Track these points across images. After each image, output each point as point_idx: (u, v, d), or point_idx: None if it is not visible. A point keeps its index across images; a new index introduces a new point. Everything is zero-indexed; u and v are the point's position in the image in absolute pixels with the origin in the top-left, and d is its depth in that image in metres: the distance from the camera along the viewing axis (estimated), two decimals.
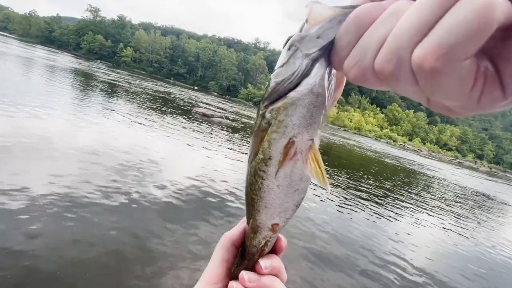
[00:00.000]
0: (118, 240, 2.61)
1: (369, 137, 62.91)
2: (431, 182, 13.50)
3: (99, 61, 76.91)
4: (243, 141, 10.24)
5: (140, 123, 8.24)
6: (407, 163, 21.09)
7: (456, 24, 0.15)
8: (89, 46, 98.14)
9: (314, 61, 0.26)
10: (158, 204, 3.51)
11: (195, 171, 5.23)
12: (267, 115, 0.30)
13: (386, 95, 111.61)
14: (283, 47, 0.29)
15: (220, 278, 0.37)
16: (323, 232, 4.06)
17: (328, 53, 0.25)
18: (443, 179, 16.60)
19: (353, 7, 0.21)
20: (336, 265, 3.24)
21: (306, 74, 0.27)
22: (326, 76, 0.27)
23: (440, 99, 0.17)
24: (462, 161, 64.84)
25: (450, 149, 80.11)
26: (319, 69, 0.26)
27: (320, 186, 0.32)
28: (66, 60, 32.81)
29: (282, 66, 0.29)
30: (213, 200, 4.13)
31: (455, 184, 15.51)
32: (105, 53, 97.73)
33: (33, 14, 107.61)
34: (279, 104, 0.29)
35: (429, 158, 41.94)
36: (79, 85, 13.66)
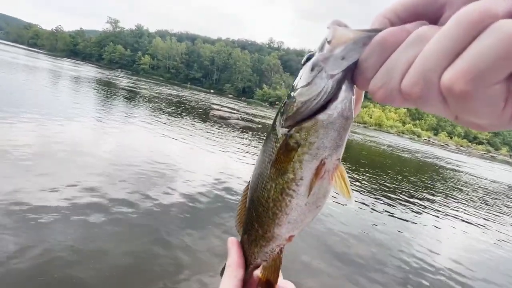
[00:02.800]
0: (140, 244, 2.62)
1: (391, 133, 60.50)
2: (461, 179, 12.66)
3: (119, 70, 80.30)
4: (261, 141, 10.17)
5: (160, 128, 8.42)
6: (433, 159, 20.00)
7: (485, 51, 0.15)
8: (110, 56, 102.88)
9: (340, 83, 0.27)
10: (179, 208, 3.52)
11: (215, 174, 5.22)
12: (296, 135, 0.30)
13: None
14: (303, 64, 0.29)
15: None
16: (346, 231, 3.89)
17: (351, 74, 0.26)
18: (474, 175, 15.53)
19: (377, 30, 0.22)
20: (360, 265, 3.07)
21: (333, 96, 0.27)
22: (353, 98, 0.28)
23: (470, 119, 0.18)
24: (495, 155, 60.50)
25: (481, 143, 74.93)
26: (347, 93, 0.27)
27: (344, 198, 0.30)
28: (89, 70, 34.54)
29: (306, 86, 0.28)
30: (234, 203, 4.08)
31: (488, 180, 14.45)
32: (125, 62, 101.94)
33: (59, 30, 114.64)
34: (307, 124, 0.29)
35: (457, 153, 39.56)
36: (102, 93, 14.27)
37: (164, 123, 9.34)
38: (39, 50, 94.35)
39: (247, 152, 7.72)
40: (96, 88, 16.17)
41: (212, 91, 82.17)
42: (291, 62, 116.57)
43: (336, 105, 0.27)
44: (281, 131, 0.32)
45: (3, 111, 6.03)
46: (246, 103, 45.54)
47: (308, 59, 0.29)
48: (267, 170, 0.34)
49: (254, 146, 8.92)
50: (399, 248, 3.83)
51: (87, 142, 5.42)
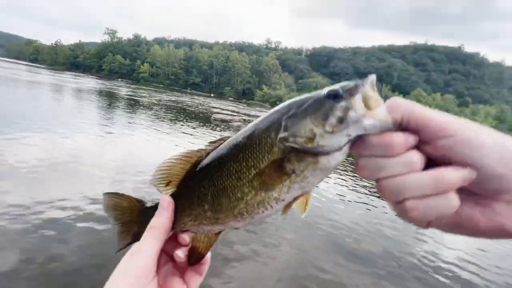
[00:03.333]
0: None
1: None
2: None
3: (120, 79, 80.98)
4: None
5: (163, 134, 8.46)
6: None
7: (438, 208, 0.27)
8: (109, 66, 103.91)
9: (350, 142, 0.31)
10: None
11: None
12: (295, 163, 0.32)
13: (408, 80, 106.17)
14: (328, 97, 0.32)
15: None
16: (355, 227, 3.85)
17: (356, 139, 0.31)
18: None
19: (395, 125, 0.28)
20: (372, 261, 3.04)
21: (339, 149, 0.32)
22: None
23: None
24: None
25: None
26: (347, 149, 0.32)
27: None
28: (90, 82, 34.90)
29: (329, 133, 0.31)
30: None
31: None
32: (125, 71, 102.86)
33: (58, 44, 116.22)
34: (309, 160, 0.32)
35: None
36: (104, 104, 14.40)
37: (167, 130, 9.38)
38: (40, 65, 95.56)
39: None
40: (98, 99, 16.33)
41: (212, 95, 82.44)
42: (289, 61, 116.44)
43: (338, 156, 0.32)
44: (279, 144, 0.33)
45: (10, 127, 6.10)
46: (246, 105, 45.60)
47: (336, 96, 0.31)
48: (248, 173, 0.35)
49: None
50: (410, 243, 3.78)
51: (93, 153, 5.46)
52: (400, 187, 0.27)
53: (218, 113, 16.87)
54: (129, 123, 9.52)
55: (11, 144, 5.07)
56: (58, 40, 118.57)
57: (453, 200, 0.26)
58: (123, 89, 29.39)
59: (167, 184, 0.42)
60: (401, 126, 0.29)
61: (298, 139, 0.32)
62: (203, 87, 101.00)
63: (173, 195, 0.42)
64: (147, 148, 6.58)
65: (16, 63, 73.89)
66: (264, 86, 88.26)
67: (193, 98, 35.41)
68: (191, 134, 9.17)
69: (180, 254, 0.39)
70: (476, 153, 0.25)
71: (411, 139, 0.28)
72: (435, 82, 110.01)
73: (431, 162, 0.28)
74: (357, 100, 0.30)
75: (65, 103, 12.51)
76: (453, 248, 3.84)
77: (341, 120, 0.30)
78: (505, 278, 3.27)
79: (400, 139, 0.27)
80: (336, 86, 0.33)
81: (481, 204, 0.26)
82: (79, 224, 2.87)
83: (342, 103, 0.31)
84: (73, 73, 70.38)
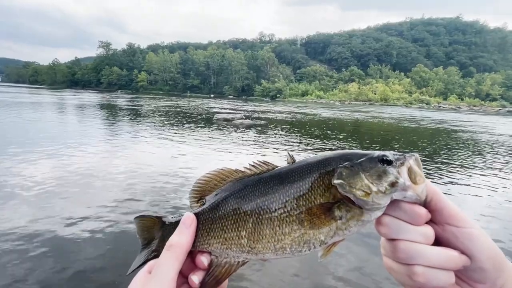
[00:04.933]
0: None
1: (399, 106, 59.09)
2: (478, 139, 12.19)
3: (119, 91, 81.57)
4: (267, 137, 10.08)
5: (169, 140, 8.46)
6: (446, 124, 19.39)
7: (441, 278, 0.32)
8: (108, 79, 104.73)
9: (389, 202, 0.35)
10: None
11: None
12: (343, 211, 0.36)
13: (408, 57, 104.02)
14: (382, 161, 0.36)
15: None
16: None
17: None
18: (495, 132, 14.94)
19: (422, 203, 0.34)
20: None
21: (382, 207, 0.35)
22: None
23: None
24: (511, 108, 58.11)
25: (494, 99, 72.03)
26: (385, 209, 0.36)
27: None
28: (90, 97, 35.22)
29: (381, 194, 0.35)
30: None
31: (507, 135, 13.85)
32: (123, 82, 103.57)
33: (56, 63, 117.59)
34: (357, 212, 0.35)
35: (471, 114, 38.26)
36: (107, 116, 14.50)
37: (172, 136, 9.38)
38: (40, 86, 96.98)
39: (256, 149, 7.65)
40: (100, 112, 16.45)
41: (212, 95, 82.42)
42: (285, 52, 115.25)
43: (378, 213, 0.36)
44: (333, 190, 0.36)
45: (18, 149, 6.17)
46: (247, 101, 45.44)
47: (389, 162, 0.36)
48: (299, 210, 0.36)
49: (261, 142, 8.84)
50: None
51: (102, 167, 5.47)
52: (417, 252, 0.32)
53: (219, 113, 16.84)
54: (134, 133, 9.55)
55: (20, 165, 5.12)
56: (55, 59, 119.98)
57: (453, 277, 0.33)
58: (123, 100, 29.58)
59: (199, 200, 0.41)
60: (425, 203, 0.35)
61: (354, 190, 0.35)
62: (202, 88, 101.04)
63: (201, 212, 0.40)
64: (154, 157, 6.58)
65: (17, 86, 75.15)
66: (262, 81, 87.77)
67: (193, 101, 35.46)
68: (195, 138, 9.15)
69: (195, 279, 0.37)
70: (474, 247, 0.32)
71: (429, 215, 0.34)
72: (436, 56, 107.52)
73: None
74: (405, 171, 0.35)
75: (69, 120, 12.63)
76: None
77: (393, 185, 0.34)
78: None
79: (425, 212, 0.34)
80: (387, 153, 0.36)
81: (465, 281, 0.33)
82: (93, 239, 2.87)
83: (394, 170, 0.35)
84: (73, 90, 71.22)
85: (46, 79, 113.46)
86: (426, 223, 0.34)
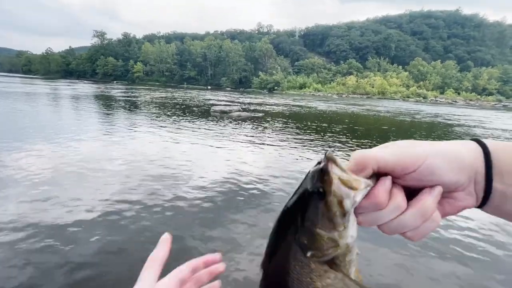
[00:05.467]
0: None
1: (396, 99, 59.18)
2: (472, 133, 12.34)
3: (115, 82, 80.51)
4: (265, 130, 10.10)
5: (165, 132, 8.44)
6: (442, 117, 19.53)
7: (429, 228, 0.33)
8: (103, 69, 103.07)
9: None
10: (197, 206, 3.54)
11: (226, 169, 5.22)
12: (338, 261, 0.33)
13: (406, 51, 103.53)
14: (320, 197, 0.31)
15: None
16: None
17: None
18: (489, 127, 15.11)
19: (373, 178, 0.32)
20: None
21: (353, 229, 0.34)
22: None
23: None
24: (507, 103, 58.48)
25: (490, 94, 72.38)
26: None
27: None
28: (85, 87, 34.74)
29: (343, 229, 0.31)
30: (251, 193, 4.08)
31: (505, 130, 14.03)
32: (119, 73, 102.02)
33: (49, 52, 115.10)
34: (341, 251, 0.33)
35: (467, 108, 38.52)
36: (103, 108, 14.36)
37: (168, 127, 9.36)
38: (34, 76, 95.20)
39: (254, 142, 7.68)
40: (96, 104, 16.28)
41: (209, 87, 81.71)
42: (283, 44, 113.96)
43: (354, 232, 0.34)
44: (313, 260, 0.33)
45: (13, 140, 6.13)
46: (245, 94, 45.17)
47: (322, 194, 0.31)
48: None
49: (259, 135, 8.87)
50: None
51: (98, 157, 5.47)
52: (397, 228, 0.33)
53: (217, 105, 16.76)
54: (130, 125, 9.50)
55: (15, 156, 5.10)
56: (49, 49, 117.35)
57: (437, 218, 0.33)
58: (119, 91, 29.24)
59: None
60: (375, 174, 0.32)
61: (326, 252, 0.32)
62: (199, 80, 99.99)
63: None
64: (150, 149, 6.58)
65: (10, 76, 73.65)
66: (260, 73, 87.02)
67: (190, 93, 35.15)
68: (192, 130, 9.13)
69: None
70: (437, 177, 0.31)
71: (388, 183, 0.32)
72: (434, 50, 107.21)
73: (405, 188, 0.33)
74: (340, 187, 0.30)
75: (64, 111, 12.49)
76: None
77: (344, 214, 0.31)
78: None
79: (383, 194, 0.31)
80: (310, 184, 0.32)
81: (445, 197, 0.33)
82: (92, 230, 2.90)
83: (333, 199, 0.31)
84: (68, 80, 70.07)
85: (40, 69, 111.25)
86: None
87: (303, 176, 0.33)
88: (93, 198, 3.63)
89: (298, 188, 0.33)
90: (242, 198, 3.97)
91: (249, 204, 3.80)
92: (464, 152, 0.32)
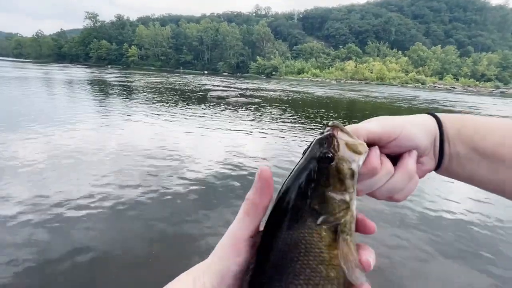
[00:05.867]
0: (160, 230, 2.72)
1: (394, 85, 58.78)
2: None
3: (109, 66, 78.63)
4: (262, 115, 10.06)
5: (161, 118, 8.38)
6: (439, 104, 19.54)
7: (412, 188, 0.38)
8: (97, 53, 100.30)
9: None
10: (195, 191, 3.59)
11: (223, 154, 5.25)
12: (345, 228, 0.32)
13: (406, 35, 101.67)
14: (329, 162, 0.32)
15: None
16: None
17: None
18: (484, 113, 15.19)
19: (366, 150, 0.35)
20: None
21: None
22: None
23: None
24: (504, 89, 58.42)
25: (489, 80, 72.04)
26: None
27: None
28: (79, 72, 33.97)
29: (353, 191, 0.33)
30: (249, 178, 4.13)
31: (501, 115, 14.08)
32: (113, 57, 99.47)
33: (40, 35, 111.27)
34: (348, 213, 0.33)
35: (465, 94, 38.47)
36: (98, 93, 14.13)
37: (165, 113, 9.27)
38: (25, 60, 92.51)
39: (251, 128, 7.67)
40: (90, 89, 15.99)
41: (206, 72, 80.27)
42: (281, 27, 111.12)
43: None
44: (325, 228, 0.32)
45: (6, 127, 6.06)
46: (242, 79, 44.52)
47: (331, 159, 0.32)
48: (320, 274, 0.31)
49: (257, 121, 8.84)
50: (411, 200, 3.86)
51: (95, 144, 5.45)
52: (389, 191, 0.37)
53: (214, 90, 16.55)
54: (125, 110, 9.39)
55: (9, 144, 5.06)
56: (39, 31, 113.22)
57: (417, 179, 0.38)
58: (114, 76, 28.66)
59: None
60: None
61: (338, 215, 0.32)
62: (196, 64, 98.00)
63: None
64: (146, 135, 6.55)
65: (0, 60, 71.48)
66: (258, 57, 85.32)
67: (186, 78, 34.56)
68: (189, 116, 9.07)
69: None
70: (413, 142, 0.38)
71: (378, 151, 0.36)
72: (435, 34, 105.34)
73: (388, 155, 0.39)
74: (346, 151, 0.32)
75: (58, 97, 12.27)
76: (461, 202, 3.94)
77: (353, 175, 0.32)
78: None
79: (377, 160, 0.35)
80: (318, 150, 0.32)
81: (417, 163, 0.39)
82: (93, 211, 2.95)
83: (342, 162, 0.32)
84: (60, 64, 68.26)
85: (31, 53, 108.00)
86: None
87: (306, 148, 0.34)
88: (90, 183, 3.66)
89: (305, 155, 0.34)
90: (240, 183, 4.03)
91: (247, 189, 3.85)
92: (429, 121, 0.40)
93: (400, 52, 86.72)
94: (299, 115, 10.54)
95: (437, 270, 2.45)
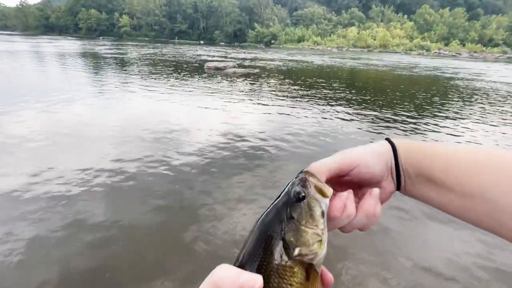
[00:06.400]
0: (168, 204, 2.80)
1: (398, 52, 56.66)
2: (474, 86, 12.14)
3: (101, 38, 75.27)
4: (261, 86, 9.83)
5: (158, 90, 8.21)
6: (440, 71, 19.00)
7: (373, 222, 0.41)
8: (86, 24, 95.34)
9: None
10: (195, 164, 3.63)
11: (223, 126, 5.22)
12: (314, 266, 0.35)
13: None
14: (302, 200, 0.36)
15: None
16: None
17: None
18: (488, 79, 14.82)
19: (331, 193, 0.38)
20: None
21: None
22: None
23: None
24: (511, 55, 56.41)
25: (496, 45, 69.14)
26: None
27: None
28: (70, 44, 32.58)
29: (324, 228, 0.36)
30: (248, 150, 4.16)
31: (505, 83, 13.80)
32: (104, 28, 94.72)
33: (24, 4, 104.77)
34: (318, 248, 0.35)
35: (470, 61, 37.23)
36: (91, 67, 13.68)
37: (161, 86, 9.06)
38: (12, 32, 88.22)
39: (250, 99, 7.55)
40: (83, 62, 15.45)
41: (202, 41, 77.01)
42: None
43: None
44: (297, 263, 0.34)
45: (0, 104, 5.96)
46: (239, 49, 42.80)
47: (304, 197, 0.36)
48: None
49: (255, 93, 8.67)
50: None
51: (91, 119, 5.40)
52: (352, 227, 0.41)
53: (210, 61, 16.00)
54: (121, 84, 9.16)
55: (4, 122, 5.01)
56: (22, 1, 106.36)
57: (379, 212, 0.41)
58: (106, 48, 27.53)
59: None
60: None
61: (312, 247, 0.34)
62: (191, 34, 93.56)
63: None
64: (144, 108, 6.46)
65: None
66: (256, 25, 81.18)
67: (181, 48, 33.21)
68: (186, 88, 8.87)
69: None
70: (370, 169, 0.42)
71: (342, 199, 0.39)
72: None
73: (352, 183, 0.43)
74: (315, 193, 0.37)
75: (50, 71, 11.89)
76: None
77: (322, 214, 0.36)
78: None
79: (339, 206, 0.38)
80: (291, 188, 0.37)
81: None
82: (95, 186, 3.01)
83: (312, 201, 0.37)
84: (49, 36, 65.22)
85: (17, 24, 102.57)
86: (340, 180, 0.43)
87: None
88: (91, 160, 3.68)
89: (281, 194, 0.38)
90: (240, 154, 4.06)
91: (247, 160, 3.89)
92: (382, 149, 0.43)
93: (405, 16, 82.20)
94: (300, 86, 10.31)
95: (430, 236, 2.55)
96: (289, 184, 0.38)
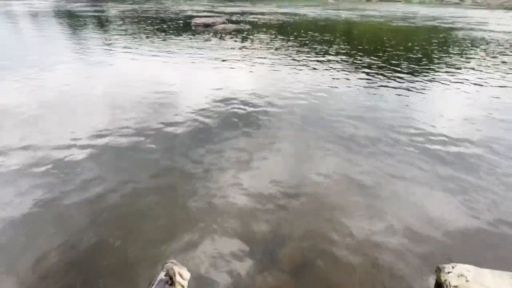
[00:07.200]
0: (164, 169, 2.85)
1: (398, 1, 53.03)
2: (475, 36, 11.72)
3: None
4: (253, 43, 9.35)
5: (144, 52, 7.77)
6: (440, 21, 18.10)
7: None
8: None
9: None
10: (189, 128, 3.62)
11: (214, 87, 5.09)
12: None
13: None
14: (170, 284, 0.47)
15: None
16: (347, 113, 4.00)
17: None
18: (487, 29, 14.23)
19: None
20: (367, 146, 3.30)
21: None
22: None
23: None
24: None
25: None
26: None
27: None
28: (41, 2, 29.51)
29: None
30: (243, 110, 4.12)
31: (506, 32, 13.29)
32: None
33: None
34: None
35: (472, 9, 35.30)
36: (69, 28, 12.63)
37: (146, 45, 8.54)
38: None
39: (242, 57, 7.23)
40: (59, 23, 14.19)
41: None
42: None
43: None
44: None
45: None
46: (227, 1, 39.41)
47: (171, 278, 0.47)
48: None
49: (248, 50, 8.27)
50: (402, 124, 3.97)
51: (79, 85, 5.17)
52: None
53: (197, 16, 14.85)
54: (105, 46, 8.58)
55: None
56: None
57: None
58: (81, 6, 25.08)
59: None
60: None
61: None
62: None
63: None
64: (132, 70, 6.17)
65: None
66: None
67: (163, 3, 30.46)
68: (174, 48, 8.38)
69: None
70: None
71: None
72: None
73: None
74: (178, 276, 0.50)
75: (26, 34, 10.95)
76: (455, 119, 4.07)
77: None
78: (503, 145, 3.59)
79: None
80: (163, 273, 0.45)
81: None
82: (91, 153, 3.02)
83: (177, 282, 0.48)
84: None
85: None
86: None
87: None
88: (84, 127, 3.63)
89: (156, 278, 0.51)
90: (233, 114, 4.03)
91: (240, 120, 3.88)
92: None
93: None
94: (293, 41, 9.82)
95: (417, 196, 2.70)
96: (162, 267, 0.51)
